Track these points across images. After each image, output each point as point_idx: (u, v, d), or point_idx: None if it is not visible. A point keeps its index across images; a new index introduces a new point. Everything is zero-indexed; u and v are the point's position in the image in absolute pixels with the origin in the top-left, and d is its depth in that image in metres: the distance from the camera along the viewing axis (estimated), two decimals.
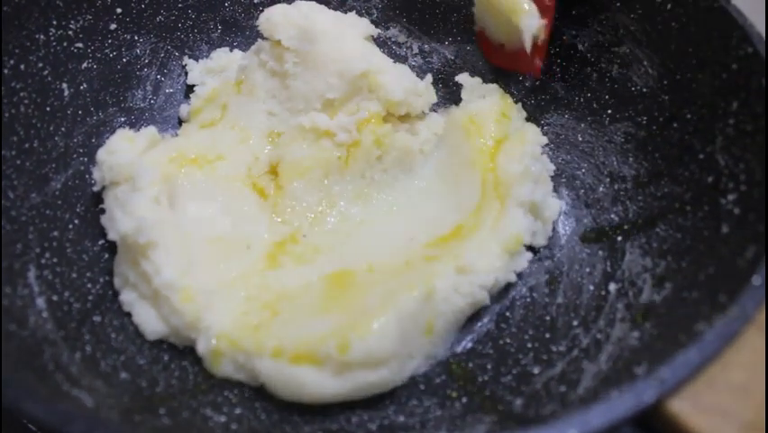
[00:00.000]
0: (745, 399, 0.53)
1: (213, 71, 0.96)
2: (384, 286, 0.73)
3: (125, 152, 0.80)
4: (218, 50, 0.99)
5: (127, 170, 0.78)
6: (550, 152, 0.92)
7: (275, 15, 0.87)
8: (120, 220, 0.74)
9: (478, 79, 0.98)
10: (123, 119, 0.90)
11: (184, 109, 0.95)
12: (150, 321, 0.73)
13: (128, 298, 0.75)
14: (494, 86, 0.96)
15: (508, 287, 0.80)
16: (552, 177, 0.90)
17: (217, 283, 0.75)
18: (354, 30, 0.93)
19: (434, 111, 0.97)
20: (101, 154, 0.80)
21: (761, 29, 0.74)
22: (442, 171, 0.87)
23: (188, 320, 0.71)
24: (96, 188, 0.81)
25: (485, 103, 0.91)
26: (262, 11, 0.90)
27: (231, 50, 0.99)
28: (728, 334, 0.52)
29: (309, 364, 0.66)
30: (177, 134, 0.92)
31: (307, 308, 0.73)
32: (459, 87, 0.98)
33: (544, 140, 0.91)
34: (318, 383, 0.66)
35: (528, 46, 0.87)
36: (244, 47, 0.98)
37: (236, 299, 0.74)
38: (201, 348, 0.71)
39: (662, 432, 0.53)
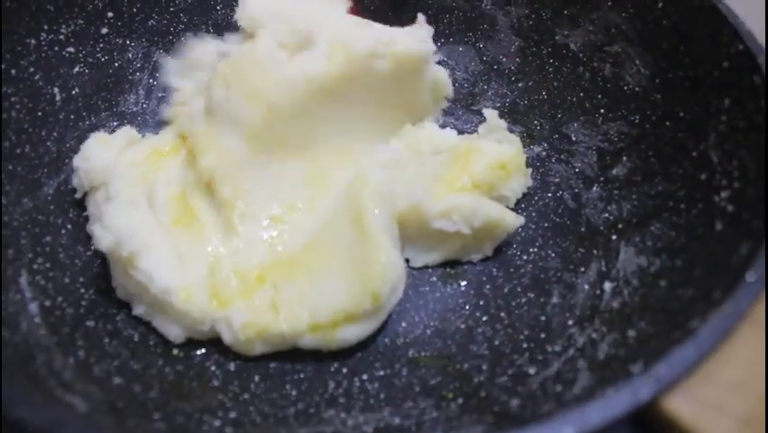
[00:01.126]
0: (742, 394, 0.53)
1: None
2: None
3: (99, 157, 0.78)
4: None
5: (102, 175, 0.76)
6: (544, 153, 0.92)
7: (252, 6, 0.82)
8: (99, 236, 0.70)
9: (503, 123, 0.91)
10: (115, 123, 0.89)
11: None
12: (168, 325, 0.72)
13: (141, 310, 0.73)
14: (516, 138, 0.88)
15: (503, 287, 0.80)
16: (546, 177, 0.90)
17: (208, 269, 0.73)
18: None
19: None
20: (77, 161, 0.79)
21: (761, 29, 0.74)
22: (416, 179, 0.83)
23: (198, 317, 0.70)
24: (77, 196, 0.79)
25: (491, 145, 0.85)
26: None
27: None
28: (723, 330, 0.52)
29: (349, 323, 0.70)
30: None
31: (304, 273, 0.73)
32: (454, 84, 0.97)
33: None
34: (361, 331, 0.72)
35: None
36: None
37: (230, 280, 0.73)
38: (227, 339, 0.71)
39: (659, 429, 0.53)
